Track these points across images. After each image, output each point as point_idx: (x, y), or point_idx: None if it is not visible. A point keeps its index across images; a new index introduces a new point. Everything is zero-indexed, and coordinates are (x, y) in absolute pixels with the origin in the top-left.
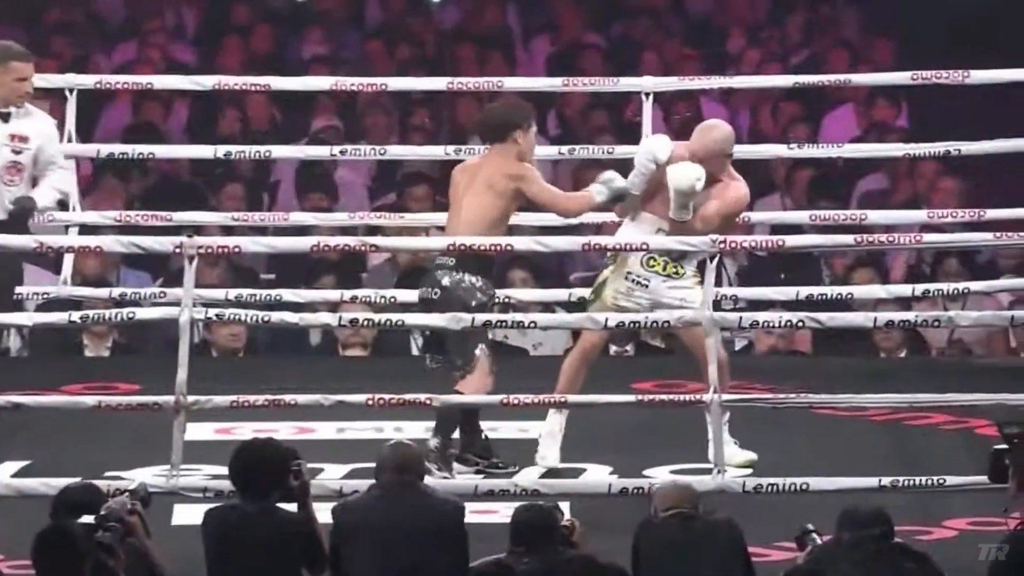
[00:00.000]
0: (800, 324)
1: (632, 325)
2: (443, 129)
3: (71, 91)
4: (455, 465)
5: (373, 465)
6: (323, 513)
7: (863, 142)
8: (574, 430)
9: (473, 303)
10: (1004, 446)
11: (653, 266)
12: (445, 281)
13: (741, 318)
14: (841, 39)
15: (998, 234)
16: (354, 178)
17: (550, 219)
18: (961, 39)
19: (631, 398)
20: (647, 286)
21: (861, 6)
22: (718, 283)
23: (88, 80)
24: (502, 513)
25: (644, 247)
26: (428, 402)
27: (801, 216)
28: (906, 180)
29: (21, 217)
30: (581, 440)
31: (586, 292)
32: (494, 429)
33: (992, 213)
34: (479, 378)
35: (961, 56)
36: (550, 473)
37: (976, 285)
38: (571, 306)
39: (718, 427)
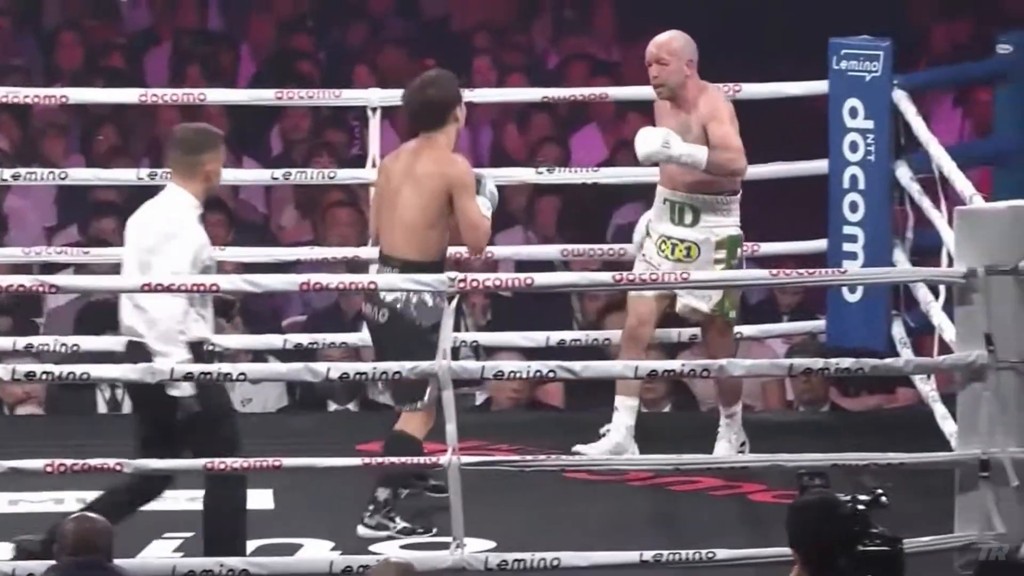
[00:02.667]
0: (551, 374)
1: (358, 377)
2: (135, 148)
3: None
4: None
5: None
6: None
7: (613, 165)
8: (288, 498)
9: (430, 323)
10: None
11: (664, 251)
12: (390, 299)
13: (484, 368)
14: (589, 47)
15: (774, 271)
16: (27, 207)
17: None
18: (729, 47)
19: (356, 461)
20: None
21: (619, 7)
22: (457, 327)
23: None
24: None
25: (372, 285)
26: (118, 468)
27: (551, 251)
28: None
29: None
30: (297, 510)
31: (303, 339)
32: (194, 499)
33: (767, 247)
34: (428, 415)
35: (730, 67)
36: (266, 549)
37: (749, 330)
38: (286, 355)
39: (457, 494)
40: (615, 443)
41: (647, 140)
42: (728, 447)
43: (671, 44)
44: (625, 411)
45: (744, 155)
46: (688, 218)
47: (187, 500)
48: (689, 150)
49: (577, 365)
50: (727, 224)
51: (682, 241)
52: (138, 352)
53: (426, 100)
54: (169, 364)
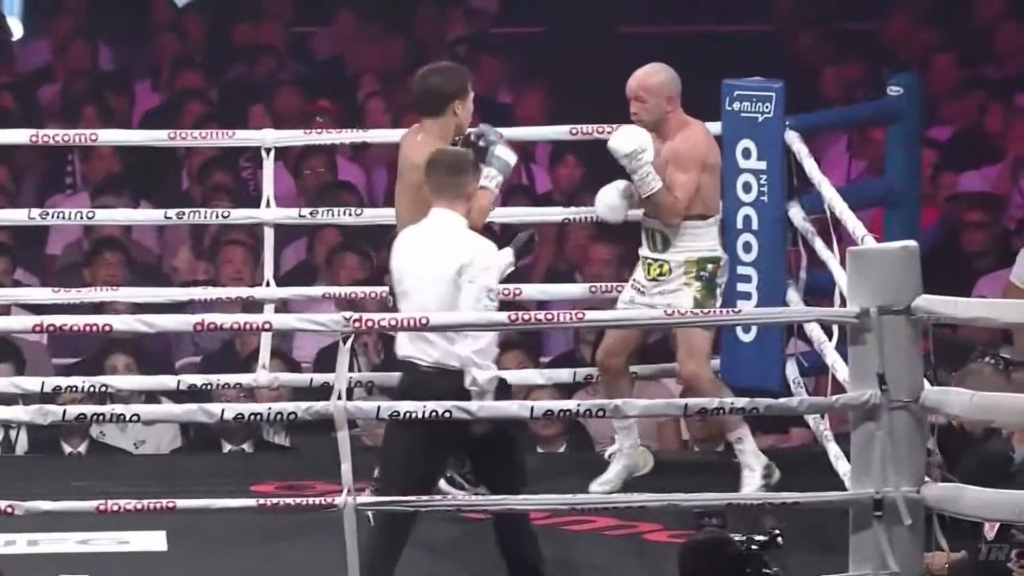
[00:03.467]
0: (447, 414)
1: (253, 417)
2: (25, 190)
3: None
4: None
5: None
6: None
7: (506, 205)
8: (182, 540)
9: None
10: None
11: (644, 271)
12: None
13: (379, 408)
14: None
15: (669, 311)
16: None
17: None
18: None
19: (250, 502)
20: (644, 292)
21: (508, 51)
22: (352, 367)
23: None
24: None
25: (266, 326)
26: (9, 510)
27: None
28: (550, 246)
29: None
30: (191, 552)
31: (196, 379)
32: (86, 541)
33: None
34: None
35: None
36: None
37: (645, 369)
38: (178, 395)
39: (353, 534)
40: (623, 465)
41: (626, 138)
42: (752, 476)
43: (648, 81)
44: (623, 432)
45: (681, 209)
46: (659, 243)
47: (76, 543)
48: (647, 176)
49: (473, 405)
50: (696, 247)
51: (655, 260)
52: (446, 375)
53: (427, 87)
54: (486, 376)
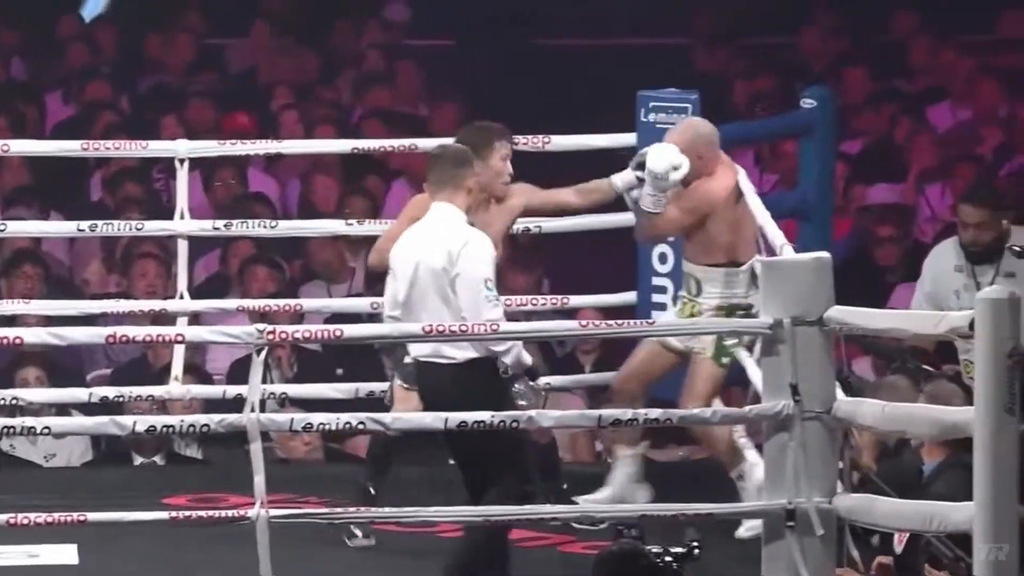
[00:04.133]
0: (361, 426)
1: (165, 430)
2: None
3: None
4: None
5: None
6: None
7: None
8: (93, 553)
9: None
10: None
11: (682, 308)
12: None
13: (293, 420)
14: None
15: (584, 322)
16: None
17: None
18: (529, 102)
19: (162, 515)
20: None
21: (423, 63)
22: (265, 379)
23: None
24: None
25: (178, 338)
26: None
27: (360, 303)
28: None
29: None
30: (102, 565)
31: (108, 391)
32: (35, 555)
33: (576, 300)
34: None
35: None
36: None
37: (558, 380)
38: (90, 408)
39: (265, 546)
40: (611, 494)
41: (661, 156)
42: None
43: (679, 145)
44: (623, 461)
45: (658, 238)
46: (693, 287)
47: (27, 556)
48: (657, 200)
49: (387, 417)
50: (727, 294)
51: (689, 301)
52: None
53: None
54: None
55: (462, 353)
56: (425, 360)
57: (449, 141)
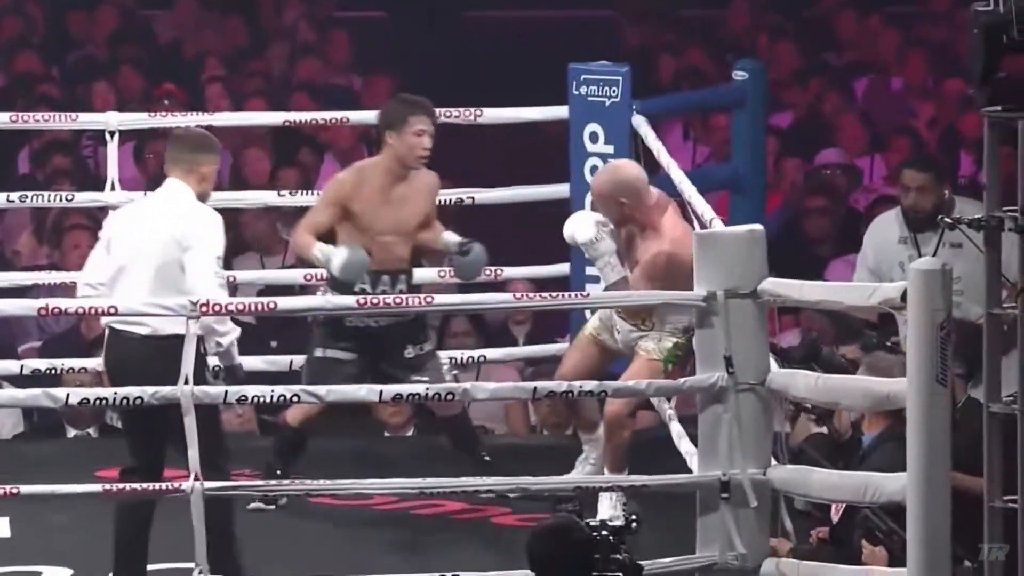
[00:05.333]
0: (295, 399)
1: (98, 402)
2: None
3: None
4: None
5: None
6: None
7: None
8: (26, 526)
9: None
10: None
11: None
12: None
13: (227, 392)
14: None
15: (518, 295)
16: None
17: None
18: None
19: (95, 487)
20: (619, 332)
21: (354, 35)
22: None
23: None
24: None
25: (111, 310)
26: None
27: (294, 275)
28: None
29: None
30: (36, 537)
31: (40, 364)
32: None
33: (510, 271)
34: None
35: (464, 95)
36: None
37: (493, 353)
38: (22, 380)
39: (200, 519)
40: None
41: (580, 227)
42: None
43: (598, 189)
44: (591, 444)
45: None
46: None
47: None
48: (605, 267)
49: (322, 389)
50: (681, 319)
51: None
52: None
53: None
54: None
55: (161, 326)
56: (119, 329)
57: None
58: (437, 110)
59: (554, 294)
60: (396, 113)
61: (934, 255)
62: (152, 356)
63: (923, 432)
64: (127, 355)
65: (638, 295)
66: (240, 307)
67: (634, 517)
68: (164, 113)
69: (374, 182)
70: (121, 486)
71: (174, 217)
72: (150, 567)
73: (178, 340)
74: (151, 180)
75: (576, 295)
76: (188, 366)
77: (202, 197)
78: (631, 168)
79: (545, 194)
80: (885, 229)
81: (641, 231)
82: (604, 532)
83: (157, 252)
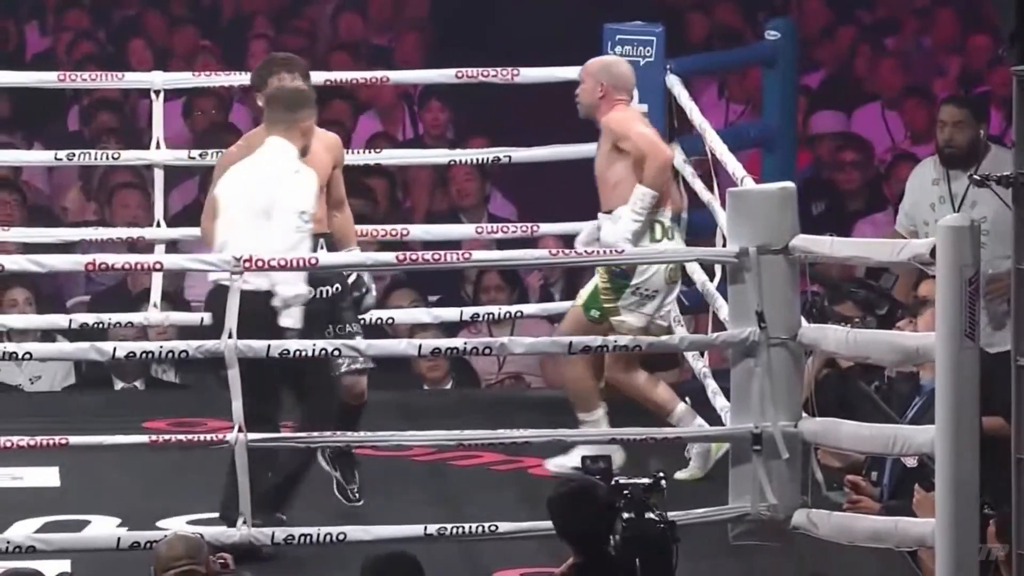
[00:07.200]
0: (336, 353)
1: (144, 355)
2: None
3: None
4: None
5: None
6: None
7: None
8: (74, 476)
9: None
10: None
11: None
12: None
13: (270, 346)
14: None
15: (554, 251)
16: None
17: None
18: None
19: (142, 438)
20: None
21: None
22: None
23: None
24: None
25: (157, 266)
26: None
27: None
28: (438, 191)
29: None
30: (84, 487)
31: (89, 318)
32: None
33: (546, 228)
34: None
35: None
36: (52, 526)
37: (529, 308)
38: (71, 334)
39: (244, 471)
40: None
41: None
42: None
43: (588, 66)
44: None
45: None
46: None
47: (11, 479)
48: (631, 218)
49: (362, 343)
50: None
51: None
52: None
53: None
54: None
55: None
56: (247, 289)
57: (414, 73)
58: (474, 70)
59: (589, 251)
60: (257, 75)
61: (964, 194)
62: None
63: (951, 385)
64: (255, 310)
65: (671, 251)
66: (282, 262)
67: (661, 475)
68: (207, 73)
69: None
70: (167, 437)
71: (281, 176)
72: (192, 516)
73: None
74: (198, 136)
75: (611, 251)
76: (232, 320)
77: (303, 151)
78: (625, 66)
79: (579, 152)
80: (922, 172)
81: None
82: (635, 490)
83: (267, 210)
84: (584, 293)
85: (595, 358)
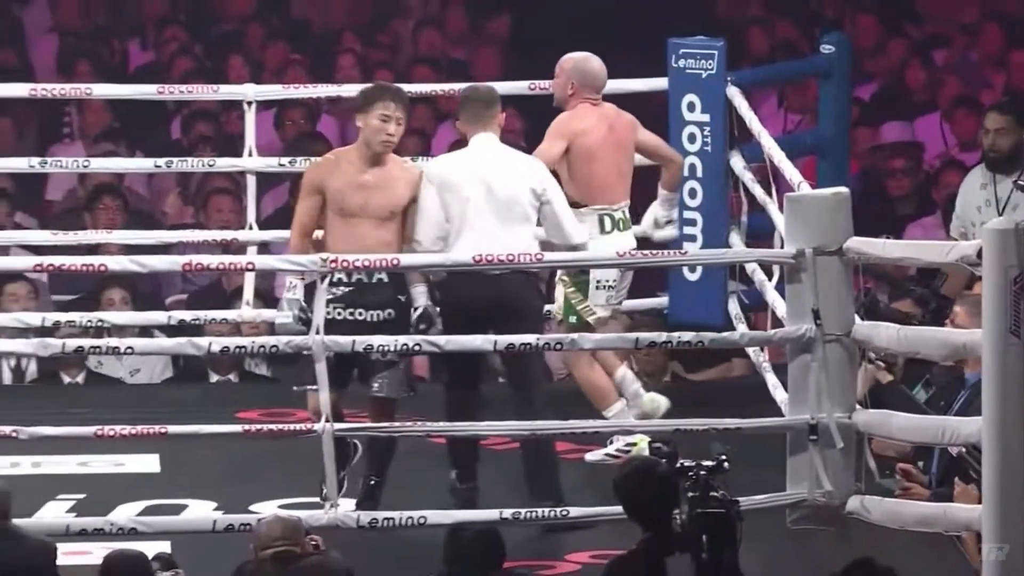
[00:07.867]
0: (417, 348)
1: (237, 350)
2: (26, 140)
3: None
4: None
5: None
6: None
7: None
8: (173, 463)
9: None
10: None
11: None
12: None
13: (354, 341)
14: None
15: (621, 252)
16: None
17: None
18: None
19: (236, 428)
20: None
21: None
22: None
23: None
24: (95, 554)
25: (249, 266)
26: (13, 434)
27: None
28: None
29: None
30: (182, 473)
31: (186, 315)
32: (85, 463)
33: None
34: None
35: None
36: (152, 509)
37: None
38: (170, 330)
39: (331, 458)
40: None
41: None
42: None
43: (563, 62)
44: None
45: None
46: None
47: (76, 465)
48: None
49: (441, 339)
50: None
51: None
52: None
53: None
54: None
55: None
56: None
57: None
58: (547, 82)
59: (655, 252)
60: (363, 97)
61: (1008, 197)
62: (533, 292)
63: (997, 379)
64: (511, 291)
65: (732, 252)
66: (367, 263)
67: (724, 457)
68: (296, 85)
69: (347, 166)
70: (259, 427)
71: (521, 168)
72: (283, 501)
73: (535, 278)
74: (288, 145)
75: (675, 253)
76: (319, 315)
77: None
78: (596, 65)
79: (639, 160)
80: (971, 177)
81: None
82: (700, 472)
83: (518, 200)
84: (557, 307)
85: (598, 356)
